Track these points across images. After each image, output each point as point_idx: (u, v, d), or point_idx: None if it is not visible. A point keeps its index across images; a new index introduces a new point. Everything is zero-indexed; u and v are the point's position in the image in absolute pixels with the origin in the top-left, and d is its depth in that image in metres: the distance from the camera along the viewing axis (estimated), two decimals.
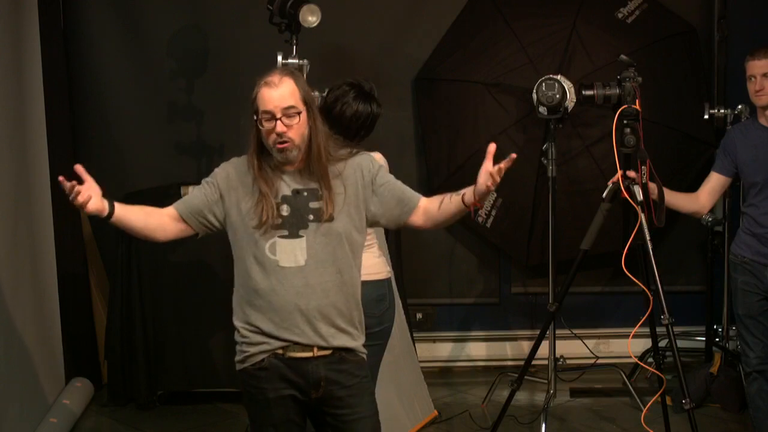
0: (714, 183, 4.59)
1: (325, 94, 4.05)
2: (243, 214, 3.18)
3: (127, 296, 5.34)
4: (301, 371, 3.16)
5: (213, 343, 5.39)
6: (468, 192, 3.11)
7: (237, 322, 3.23)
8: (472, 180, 3.08)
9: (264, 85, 3.17)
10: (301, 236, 3.16)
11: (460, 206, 3.14)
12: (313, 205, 3.17)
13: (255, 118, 3.17)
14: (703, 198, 4.60)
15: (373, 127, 3.95)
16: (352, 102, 3.86)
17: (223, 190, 3.21)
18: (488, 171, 3.01)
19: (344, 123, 3.86)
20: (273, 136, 3.14)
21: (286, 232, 3.15)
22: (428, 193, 5.77)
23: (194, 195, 3.28)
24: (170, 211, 3.29)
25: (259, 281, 3.15)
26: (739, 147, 4.51)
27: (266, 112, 3.14)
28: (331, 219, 3.18)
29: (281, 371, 3.17)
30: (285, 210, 3.16)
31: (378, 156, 3.96)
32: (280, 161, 3.17)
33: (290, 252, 3.15)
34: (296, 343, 3.15)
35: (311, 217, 3.17)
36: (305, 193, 3.18)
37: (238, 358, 3.23)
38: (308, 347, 3.16)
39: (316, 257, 3.16)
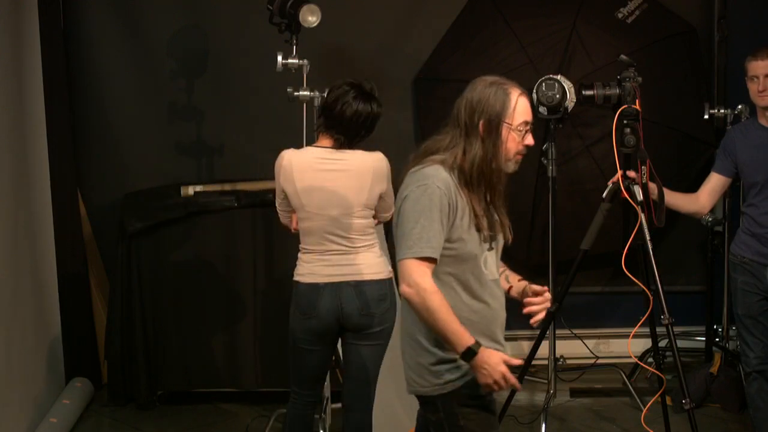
0: (714, 183, 4.59)
1: (325, 94, 4.05)
2: (463, 231, 3.05)
3: (127, 296, 5.33)
4: None
5: (213, 343, 5.39)
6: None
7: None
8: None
9: (522, 94, 3.10)
10: (494, 248, 3.15)
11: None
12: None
13: (503, 125, 3.06)
14: (704, 198, 4.60)
15: (373, 127, 3.95)
16: (352, 102, 3.86)
17: (452, 211, 3.02)
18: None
19: (344, 122, 3.87)
20: (520, 147, 3.11)
21: (488, 245, 3.12)
22: None
23: (437, 231, 2.97)
24: (432, 267, 2.99)
25: (477, 297, 3.09)
26: (738, 147, 4.51)
27: (527, 122, 3.10)
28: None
29: None
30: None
31: (379, 156, 3.96)
32: (509, 172, 3.16)
33: (493, 264, 3.15)
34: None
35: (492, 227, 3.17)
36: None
37: (453, 376, 3.07)
38: None
39: (498, 266, 3.19)
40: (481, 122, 3.04)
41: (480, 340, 2.99)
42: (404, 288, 2.97)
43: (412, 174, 3.07)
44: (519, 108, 3.08)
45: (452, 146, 3.08)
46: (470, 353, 2.94)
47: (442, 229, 2.98)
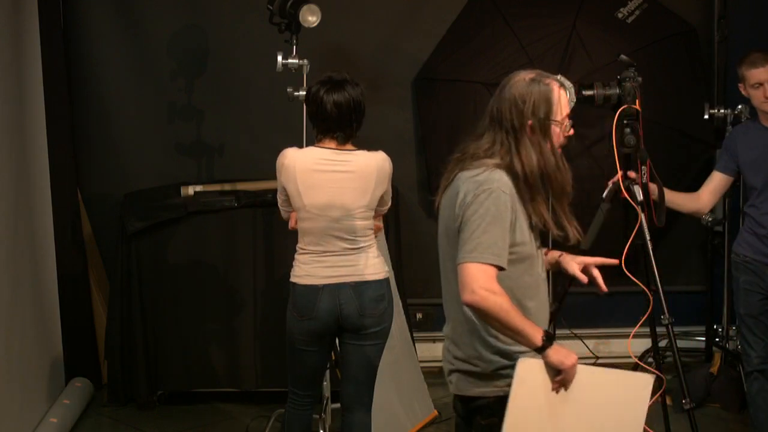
0: (716, 182, 4.59)
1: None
2: (522, 234, 2.97)
3: (127, 296, 5.33)
4: None
5: (213, 343, 5.39)
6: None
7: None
8: None
9: (561, 86, 3.02)
10: (541, 248, 3.09)
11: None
12: None
13: (552, 123, 2.98)
14: (705, 197, 4.60)
15: (362, 112, 3.90)
16: (325, 96, 3.85)
17: (514, 215, 2.94)
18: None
19: (330, 118, 3.85)
20: (562, 140, 3.03)
21: (539, 243, 3.06)
22: (428, 193, 5.82)
23: (500, 237, 2.88)
24: (496, 273, 2.90)
25: (531, 298, 3.04)
26: (740, 147, 4.51)
27: (569, 114, 3.04)
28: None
29: None
30: None
31: (382, 156, 3.95)
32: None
33: (541, 264, 3.09)
34: None
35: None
36: None
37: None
38: None
39: (543, 265, 3.13)
40: (529, 123, 2.96)
41: None
42: (468, 296, 2.89)
43: (471, 180, 2.99)
44: (562, 101, 3.01)
45: (499, 149, 2.98)
46: (549, 338, 2.91)
47: (507, 235, 2.90)
